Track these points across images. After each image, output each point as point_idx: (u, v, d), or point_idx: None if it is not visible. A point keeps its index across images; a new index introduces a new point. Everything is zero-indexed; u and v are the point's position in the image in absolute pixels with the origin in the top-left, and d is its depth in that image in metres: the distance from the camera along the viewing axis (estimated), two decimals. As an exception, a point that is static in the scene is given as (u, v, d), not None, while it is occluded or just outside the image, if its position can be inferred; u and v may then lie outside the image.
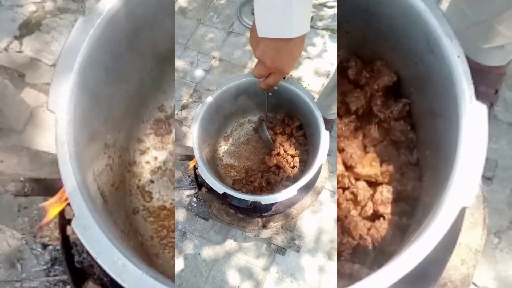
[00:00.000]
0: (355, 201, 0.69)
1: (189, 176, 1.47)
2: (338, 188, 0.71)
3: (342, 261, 0.64)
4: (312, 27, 1.91)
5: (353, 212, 0.66)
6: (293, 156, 0.94)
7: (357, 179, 0.71)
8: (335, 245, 1.36)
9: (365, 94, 0.73)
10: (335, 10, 1.97)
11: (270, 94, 0.84)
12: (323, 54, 1.84)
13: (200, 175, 0.75)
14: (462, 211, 0.44)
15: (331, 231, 1.40)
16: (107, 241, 0.45)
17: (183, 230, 1.42)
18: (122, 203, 0.75)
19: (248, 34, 1.78)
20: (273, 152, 0.92)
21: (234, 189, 0.78)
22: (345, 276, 0.61)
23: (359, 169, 0.69)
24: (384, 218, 0.64)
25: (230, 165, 0.95)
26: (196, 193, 1.38)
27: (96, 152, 0.62)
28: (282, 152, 0.93)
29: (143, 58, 0.73)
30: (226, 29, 1.95)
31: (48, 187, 0.61)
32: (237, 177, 0.93)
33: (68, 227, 0.63)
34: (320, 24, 1.93)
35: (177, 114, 1.69)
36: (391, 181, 0.67)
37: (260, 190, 0.90)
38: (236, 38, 1.92)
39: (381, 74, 0.71)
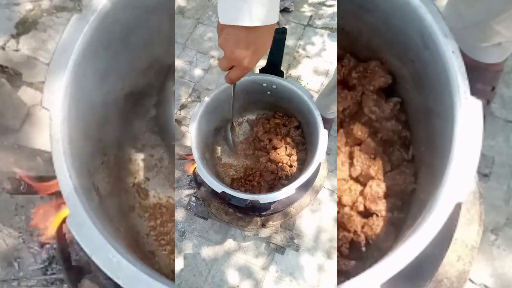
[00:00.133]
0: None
1: (188, 176, 1.47)
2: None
3: (339, 257, 0.64)
4: (311, 26, 1.91)
5: (346, 209, 0.66)
6: (290, 155, 0.94)
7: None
8: (335, 244, 1.36)
9: (353, 95, 0.73)
10: (333, 9, 1.97)
11: (236, 90, 0.77)
12: (322, 53, 1.84)
13: (199, 174, 0.75)
14: (457, 206, 0.43)
15: (331, 230, 1.40)
16: (102, 239, 0.45)
17: (183, 229, 1.42)
18: (118, 200, 0.75)
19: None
20: (265, 157, 0.92)
21: (232, 188, 0.78)
22: (341, 273, 0.61)
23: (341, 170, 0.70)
24: (377, 216, 0.64)
25: (228, 164, 0.95)
26: (195, 192, 1.38)
27: (91, 149, 0.62)
28: (274, 155, 0.93)
29: (138, 56, 0.73)
30: (224, 28, 1.95)
31: (45, 185, 0.61)
32: (235, 176, 0.93)
33: (64, 225, 0.63)
34: (319, 23, 1.93)
35: (175, 113, 1.69)
36: (381, 178, 0.67)
37: (259, 189, 0.90)
38: (235, 37, 1.91)
39: (376, 75, 0.71)
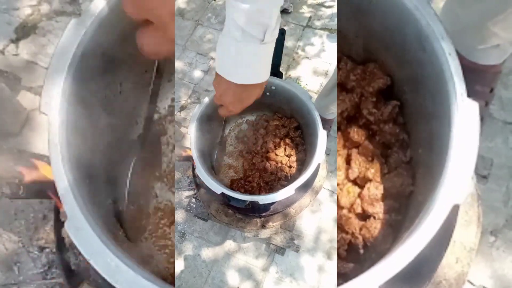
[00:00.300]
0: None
1: (188, 177, 1.47)
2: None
3: (337, 259, 0.64)
4: (310, 27, 1.92)
5: (344, 211, 0.67)
6: (289, 156, 0.94)
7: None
8: (335, 245, 1.36)
9: (351, 97, 0.73)
10: (333, 10, 1.97)
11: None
12: (321, 53, 1.84)
13: (198, 175, 0.75)
14: (455, 208, 0.43)
15: (331, 231, 1.40)
16: (100, 243, 0.45)
17: (183, 231, 1.42)
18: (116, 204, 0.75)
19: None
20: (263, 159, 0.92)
21: (232, 189, 0.78)
22: (339, 275, 0.61)
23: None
24: (375, 218, 0.64)
25: (228, 165, 0.95)
26: (195, 194, 1.38)
27: (89, 153, 0.62)
28: (273, 155, 0.93)
29: (137, 59, 0.73)
30: (223, 30, 1.95)
31: (44, 189, 0.61)
32: (235, 177, 0.93)
33: (63, 230, 0.63)
34: (318, 24, 1.93)
35: (175, 115, 1.69)
36: (379, 180, 0.67)
37: (258, 190, 0.90)
38: (234, 39, 1.92)
39: (375, 77, 0.71)
